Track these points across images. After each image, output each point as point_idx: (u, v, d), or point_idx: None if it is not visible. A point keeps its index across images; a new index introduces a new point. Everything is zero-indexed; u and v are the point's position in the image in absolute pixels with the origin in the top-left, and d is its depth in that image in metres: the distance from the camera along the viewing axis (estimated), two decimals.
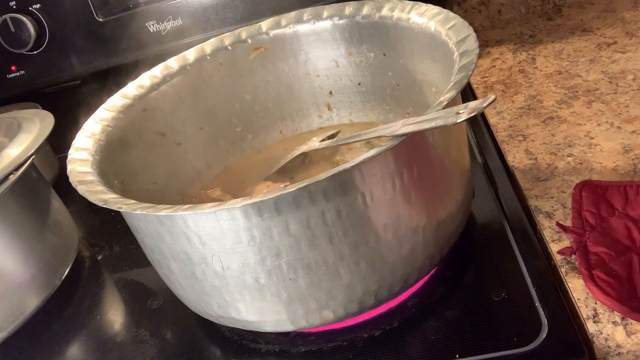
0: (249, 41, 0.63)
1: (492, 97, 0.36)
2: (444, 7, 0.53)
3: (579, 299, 0.44)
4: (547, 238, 0.50)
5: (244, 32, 0.63)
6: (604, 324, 0.42)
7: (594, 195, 0.52)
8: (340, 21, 0.61)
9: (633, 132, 0.59)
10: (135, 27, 0.79)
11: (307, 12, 0.62)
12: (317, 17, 0.62)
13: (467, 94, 0.77)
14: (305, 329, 0.48)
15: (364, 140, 0.51)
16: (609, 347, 0.41)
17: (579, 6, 0.89)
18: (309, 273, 0.41)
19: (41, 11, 0.79)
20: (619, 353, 0.41)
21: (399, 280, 0.45)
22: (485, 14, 0.94)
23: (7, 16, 0.77)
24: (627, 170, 0.55)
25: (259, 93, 0.66)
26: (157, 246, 0.45)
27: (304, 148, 0.61)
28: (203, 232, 0.40)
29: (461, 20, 0.49)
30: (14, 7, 0.78)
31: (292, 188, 0.37)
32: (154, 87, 0.60)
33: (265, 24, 0.63)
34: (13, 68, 0.82)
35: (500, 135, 0.65)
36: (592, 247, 0.47)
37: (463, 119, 0.36)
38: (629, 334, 0.41)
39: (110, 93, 0.58)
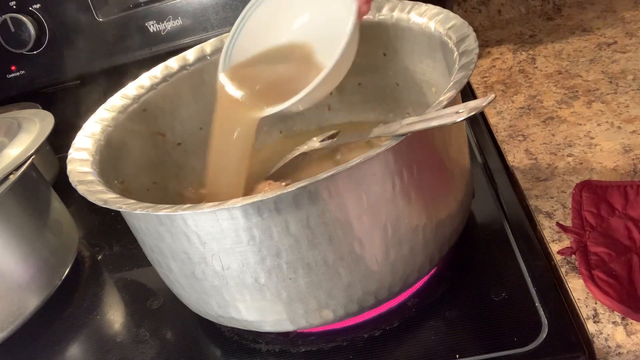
0: None
1: (492, 96, 0.36)
2: (444, 7, 0.53)
3: (579, 299, 0.44)
4: (547, 238, 0.50)
5: None
6: (604, 324, 0.42)
7: (594, 195, 0.52)
8: None
9: (633, 132, 0.59)
10: (135, 27, 0.79)
11: None
12: None
13: (467, 93, 0.77)
14: (305, 329, 0.48)
15: (364, 140, 0.51)
16: (609, 347, 0.41)
17: (579, 6, 0.89)
18: (308, 273, 0.41)
19: (41, 11, 0.79)
20: (619, 353, 0.41)
21: (399, 280, 0.45)
22: (485, 14, 0.94)
23: (7, 16, 0.77)
24: (627, 170, 0.55)
25: None
26: (157, 246, 0.45)
27: (304, 148, 0.61)
28: (203, 232, 0.40)
29: (461, 20, 0.49)
30: (14, 7, 0.78)
31: (292, 187, 0.37)
32: (154, 87, 0.60)
33: None
34: (13, 68, 0.82)
35: (500, 135, 0.65)
36: (592, 247, 0.47)
37: (463, 118, 0.36)
38: (629, 334, 0.41)
39: (110, 93, 0.58)
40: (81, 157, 0.50)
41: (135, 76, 0.60)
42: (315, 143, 0.60)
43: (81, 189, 0.44)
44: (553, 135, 0.62)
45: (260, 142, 0.67)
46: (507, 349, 0.42)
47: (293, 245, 0.40)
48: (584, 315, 0.43)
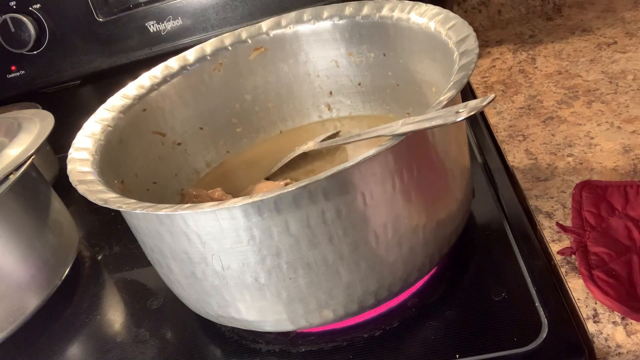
0: (249, 41, 0.63)
1: (492, 96, 0.37)
2: (444, 7, 0.53)
3: (579, 299, 0.44)
4: (547, 238, 0.50)
5: (244, 32, 0.63)
6: (604, 324, 0.42)
7: (594, 195, 0.52)
8: (341, 21, 0.61)
9: (633, 132, 0.59)
10: (135, 27, 0.79)
11: (307, 13, 0.62)
12: (317, 18, 0.62)
13: (467, 94, 0.77)
14: (305, 329, 0.48)
15: (363, 140, 0.51)
16: (609, 347, 0.41)
17: (579, 6, 0.89)
18: (308, 272, 0.41)
19: (41, 11, 0.79)
20: (619, 353, 0.41)
21: (399, 280, 0.45)
22: (485, 14, 0.94)
23: (7, 16, 0.77)
24: (627, 170, 0.55)
25: (259, 93, 0.66)
26: (157, 246, 0.45)
27: (304, 148, 0.61)
28: (203, 232, 0.40)
29: (461, 20, 0.49)
30: (14, 7, 0.78)
31: (292, 187, 0.37)
32: (154, 87, 0.60)
33: (265, 24, 0.63)
34: (13, 68, 0.82)
35: (500, 135, 0.65)
36: (592, 247, 0.47)
37: (463, 117, 0.36)
38: (629, 334, 0.41)
39: (110, 93, 0.58)
40: (81, 157, 0.50)
41: (135, 76, 0.60)
42: (315, 143, 0.60)
43: (81, 189, 0.44)
44: (553, 135, 0.62)
45: (260, 142, 0.68)
46: (507, 349, 0.42)
47: (293, 245, 0.40)
48: (584, 315, 0.43)
